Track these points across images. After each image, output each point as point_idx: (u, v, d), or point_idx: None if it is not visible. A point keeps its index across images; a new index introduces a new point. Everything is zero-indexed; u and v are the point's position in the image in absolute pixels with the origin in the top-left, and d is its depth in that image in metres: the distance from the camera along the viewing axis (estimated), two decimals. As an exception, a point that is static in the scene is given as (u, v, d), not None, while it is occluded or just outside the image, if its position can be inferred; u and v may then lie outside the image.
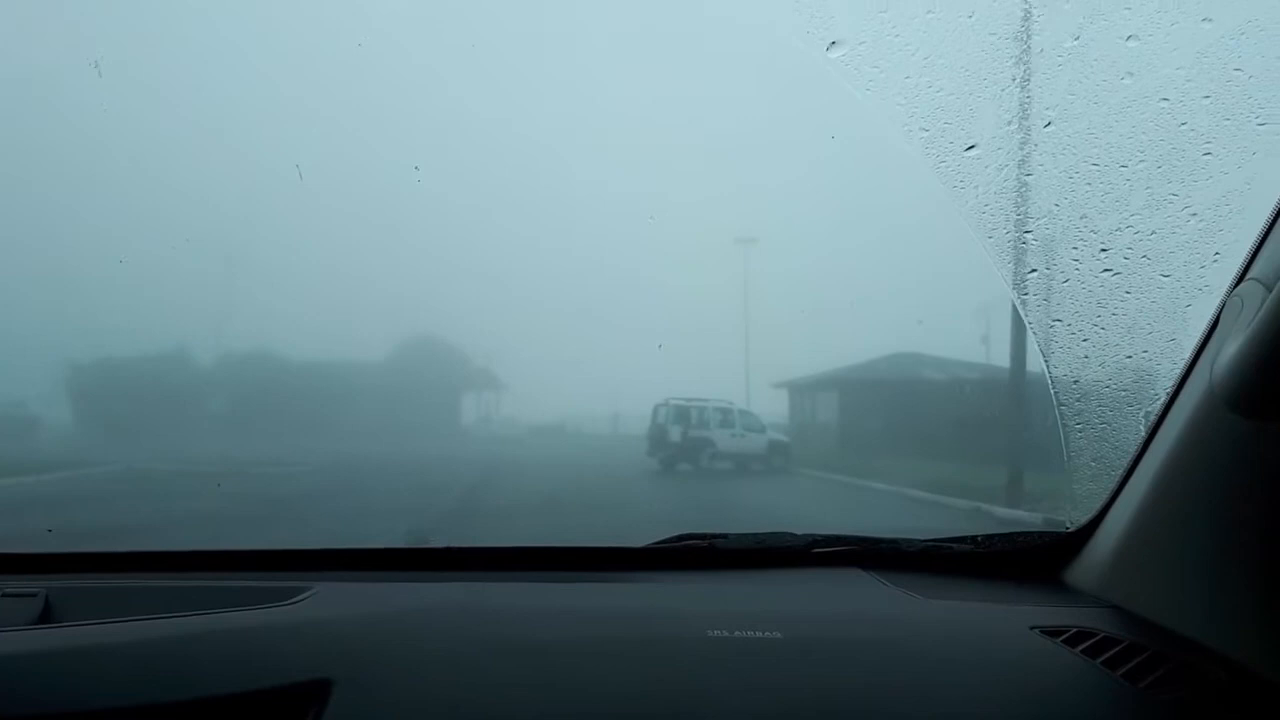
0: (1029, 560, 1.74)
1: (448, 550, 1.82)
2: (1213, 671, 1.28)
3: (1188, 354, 1.40)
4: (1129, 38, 1.44)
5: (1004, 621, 1.49)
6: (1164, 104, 1.45)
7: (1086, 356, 1.59)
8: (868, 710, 1.23)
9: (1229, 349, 1.22)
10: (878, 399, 16.30)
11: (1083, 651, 1.34)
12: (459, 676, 1.26)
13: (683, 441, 13.97)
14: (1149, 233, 1.51)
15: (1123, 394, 1.59)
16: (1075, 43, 1.47)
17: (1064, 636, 1.39)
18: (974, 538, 1.78)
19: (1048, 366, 1.62)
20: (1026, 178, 1.59)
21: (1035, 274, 1.59)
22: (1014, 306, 1.63)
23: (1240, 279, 1.29)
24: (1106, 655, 1.32)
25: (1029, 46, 1.53)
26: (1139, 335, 1.55)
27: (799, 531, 1.82)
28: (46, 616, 1.46)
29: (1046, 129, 1.52)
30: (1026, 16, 1.53)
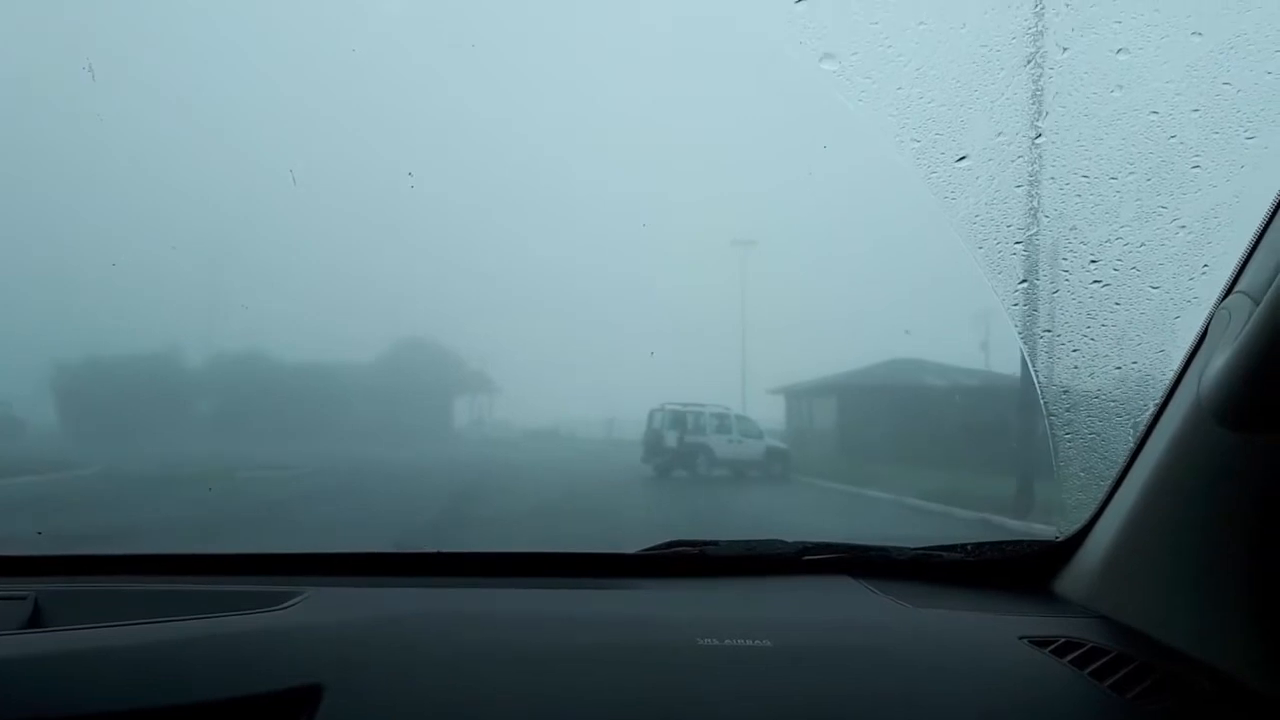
0: (1018, 569, 1.75)
1: (439, 555, 1.82)
2: (1200, 682, 1.29)
3: (1176, 365, 1.42)
4: (1119, 51, 1.46)
5: (993, 631, 1.50)
6: (1153, 117, 1.47)
7: (1076, 367, 1.60)
8: (857, 718, 1.24)
9: (1216, 362, 1.23)
10: (877, 405, 16.20)
11: (1071, 662, 1.35)
12: (450, 682, 1.26)
13: (679, 447, 13.86)
14: (1138, 245, 1.52)
15: (1112, 404, 1.60)
16: (1065, 55, 1.49)
17: (1052, 646, 1.40)
18: (964, 546, 1.79)
19: (1037, 376, 1.64)
20: (1029, 188, 1.61)
21: (1025, 284, 1.61)
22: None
23: (1228, 291, 1.30)
24: (1094, 666, 1.33)
25: (1042, 56, 1.54)
26: (1128, 346, 1.57)
27: (789, 539, 1.83)
28: (36, 620, 1.46)
29: (1037, 141, 1.54)
30: (1039, 28, 1.53)
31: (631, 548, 1.83)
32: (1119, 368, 1.58)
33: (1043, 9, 1.50)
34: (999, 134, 1.55)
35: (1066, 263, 1.57)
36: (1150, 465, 1.43)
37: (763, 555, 1.82)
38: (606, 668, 1.32)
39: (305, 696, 1.20)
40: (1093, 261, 1.55)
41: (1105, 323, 1.57)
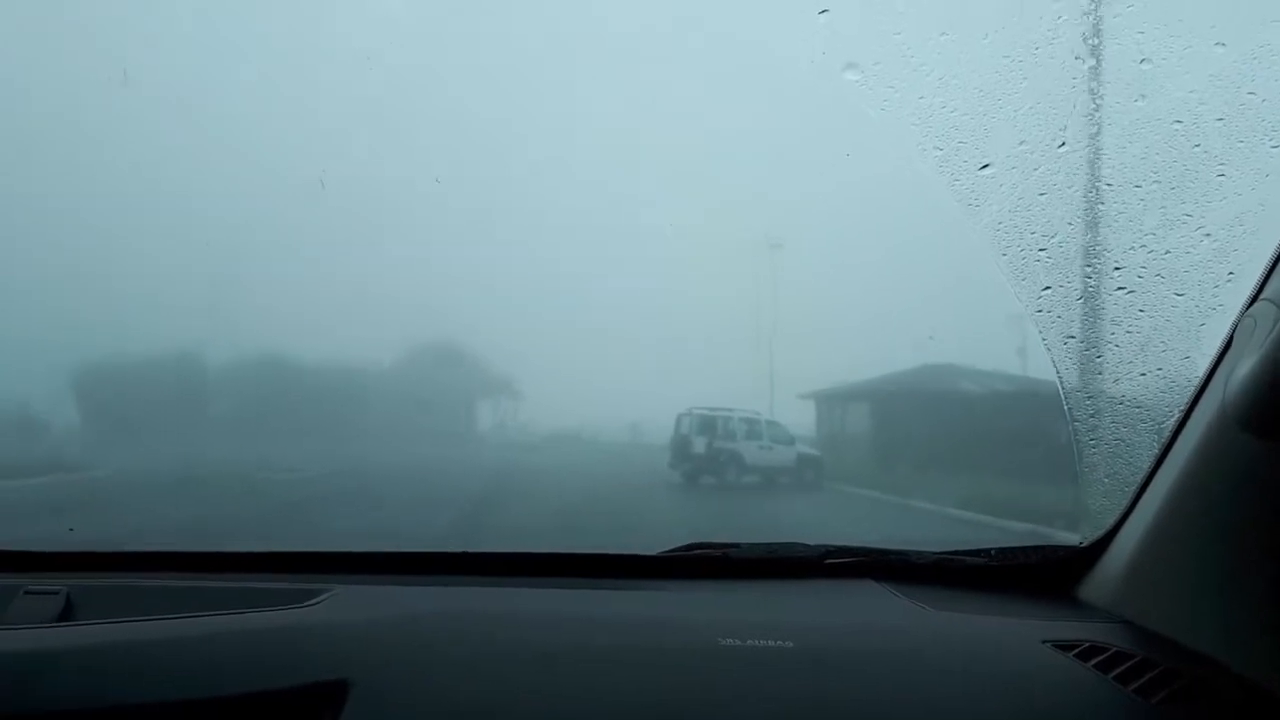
0: (1041, 574, 1.76)
1: (463, 555, 1.85)
2: (1225, 688, 1.30)
3: (1201, 372, 1.43)
4: (1142, 61, 1.48)
5: (1016, 635, 1.51)
6: (1177, 126, 1.49)
7: (1100, 373, 1.63)
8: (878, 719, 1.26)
9: (1242, 369, 1.25)
10: (913, 411, 15.78)
11: (1095, 666, 1.36)
12: (473, 680, 1.29)
13: (707, 453, 13.58)
14: (1163, 252, 1.54)
15: (1137, 411, 1.62)
16: (1087, 65, 1.52)
17: (1076, 651, 1.40)
18: (987, 551, 1.81)
19: (1061, 382, 1.66)
20: (1053, 196, 1.63)
21: (1049, 291, 1.63)
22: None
23: (1254, 299, 1.32)
24: (1119, 670, 1.33)
25: (1064, 66, 1.56)
26: (1153, 353, 1.58)
27: (811, 542, 1.86)
28: (67, 614, 1.51)
29: (1060, 149, 1.56)
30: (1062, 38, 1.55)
31: (652, 549, 1.87)
32: (1143, 374, 1.60)
33: (1064, 20, 1.52)
34: (1021, 142, 1.58)
35: (1090, 270, 1.59)
36: (1175, 471, 1.45)
37: (784, 558, 1.85)
38: (628, 667, 1.35)
39: (332, 692, 1.24)
40: (1117, 269, 1.58)
41: (1130, 329, 1.59)
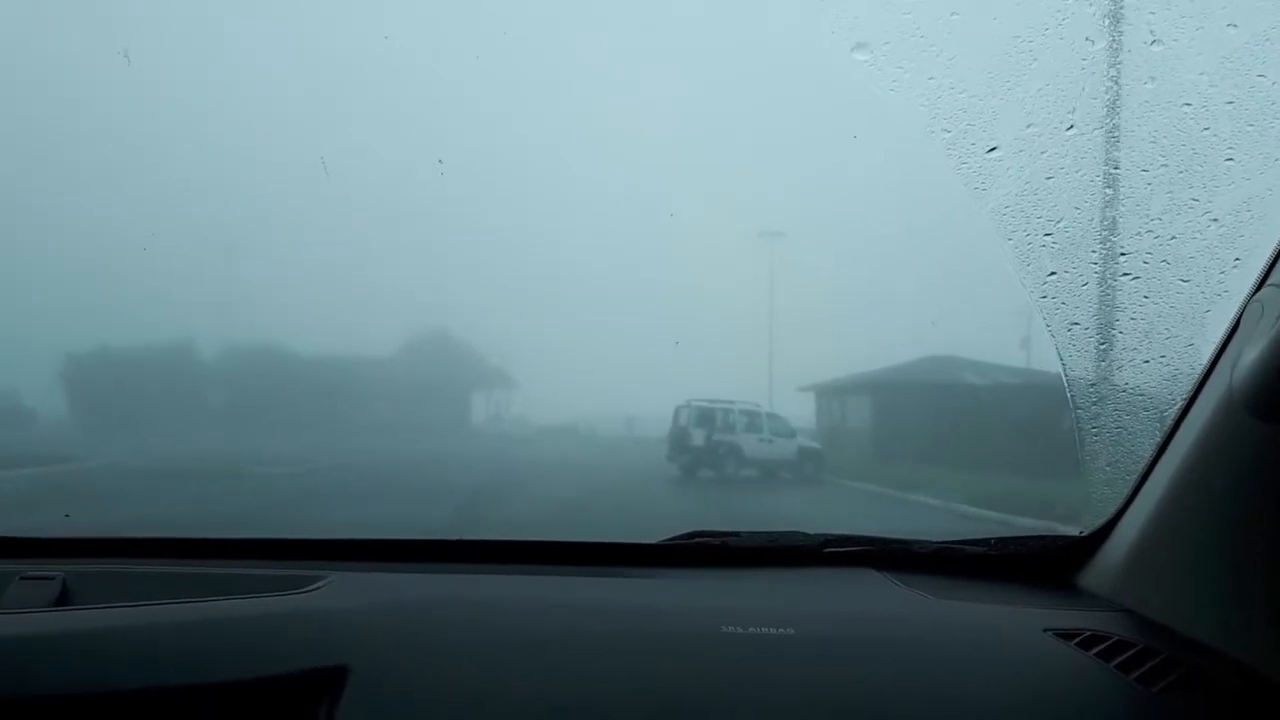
0: (1042, 564, 1.77)
1: (462, 543, 1.86)
2: (1226, 677, 1.31)
3: (1206, 359, 1.44)
4: (1152, 42, 1.49)
5: (1017, 623, 1.53)
6: (1186, 109, 1.49)
7: (1104, 360, 1.63)
8: (880, 707, 1.27)
9: (1249, 353, 1.25)
10: (915, 404, 15.58)
11: (1096, 654, 1.37)
12: (472, 666, 1.30)
13: (706, 446, 13.53)
14: (1169, 237, 1.55)
15: (1139, 398, 1.63)
16: (1097, 47, 1.52)
17: (1078, 639, 1.42)
18: (987, 540, 1.82)
19: (1064, 370, 1.67)
20: (1060, 180, 1.63)
21: (1054, 276, 1.64)
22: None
23: (1261, 284, 1.32)
24: (1120, 659, 1.35)
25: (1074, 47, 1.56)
26: (1157, 340, 1.59)
27: (811, 531, 1.87)
28: (64, 600, 1.51)
29: (1068, 132, 1.57)
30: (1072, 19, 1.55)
31: (652, 537, 1.88)
32: (1148, 361, 1.60)
33: (1076, 0, 1.52)
34: (1029, 125, 1.58)
35: (1095, 255, 1.60)
36: (1178, 459, 1.45)
37: (785, 547, 1.86)
38: (627, 653, 1.36)
39: (331, 677, 1.25)
40: (1123, 254, 1.58)
41: (1135, 316, 1.59)
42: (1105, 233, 1.59)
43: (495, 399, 19.85)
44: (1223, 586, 1.39)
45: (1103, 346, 1.64)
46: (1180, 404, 1.48)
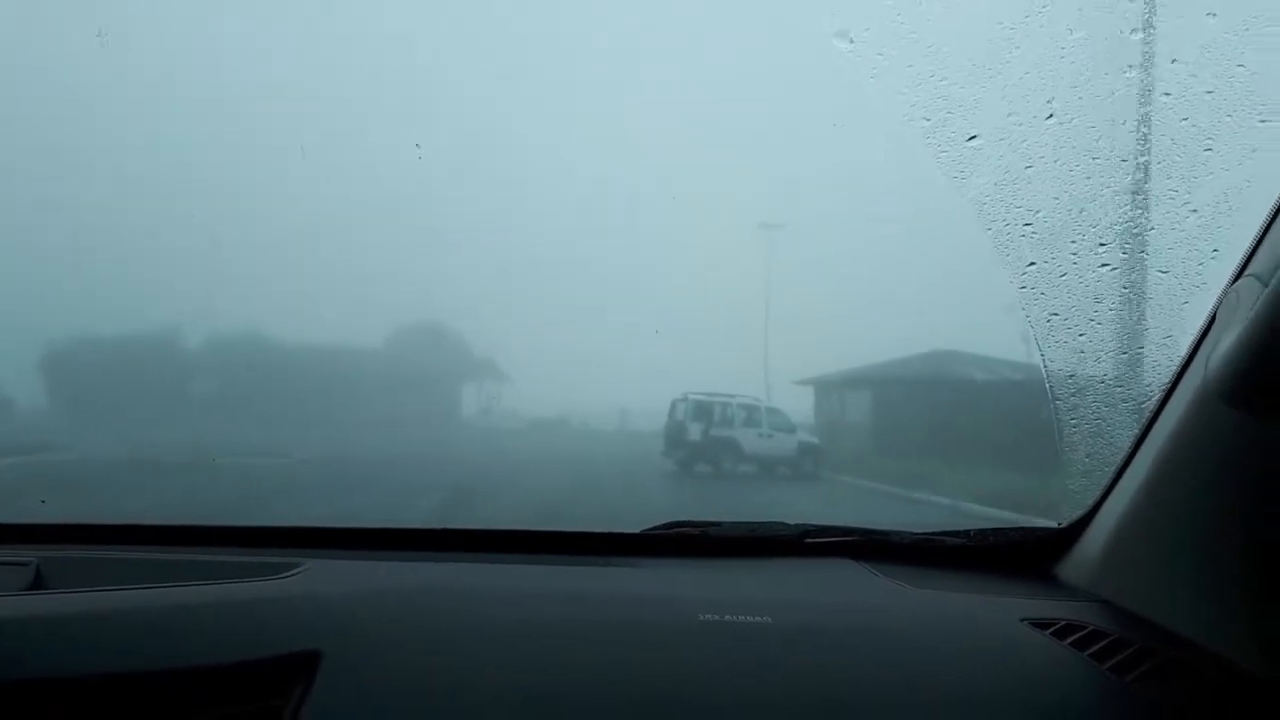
0: (1021, 555, 1.81)
1: (441, 531, 1.88)
2: (1201, 667, 1.34)
3: (1184, 350, 1.47)
4: (1133, 31, 1.52)
5: (994, 612, 1.56)
6: (1166, 98, 1.52)
7: (1082, 351, 1.67)
8: (855, 695, 1.30)
9: (1225, 343, 1.28)
10: (916, 399, 15.38)
11: (1072, 644, 1.41)
12: (449, 653, 1.33)
13: (703, 441, 13.42)
14: (1148, 228, 1.58)
15: (1118, 390, 1.66)
16: (1076, 36, 1.55)
17: (1053, 629, 1.45)
18: (966, 531, 1.85)
19: (1044, 361, 1.70)
20: (1039, 169, 1.67)
21: (1033, 267, 1.67)
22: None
23: (1238, 275, 1.35)
24: (1095, 648, 1.38)
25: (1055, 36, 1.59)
26: (1136, 331, 1.62)
27: (792, 521, 1.91)
28: (38, 585, 1.52)
29: (1048, 121, 1.60)
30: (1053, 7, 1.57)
31: (632, 527, 1.91)
32: (1125, 353, 1.64)
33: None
34: (1010, 114, 1.61)
35: (1075, 245, 1.63)
36: (1155, 450, 1.48)
37: (765, 537, 1.89)
38: (604, 642, 1.38)
39: (304, 662, 1.27)
40: (1101, 245, 1.62)
41: (1113, 307, 1.63)
42: (1084, 223, 1.62)
43: (485, 391, 19.81)
44: (1198, 578, 1.42)
45: (1081, 337, 1.67)
46: (1158, 395, 1.51)
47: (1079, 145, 1.60)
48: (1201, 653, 1.36)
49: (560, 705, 1.25)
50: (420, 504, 7.89)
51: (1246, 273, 1.32)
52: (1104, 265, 1.63)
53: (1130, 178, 1.59)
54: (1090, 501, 1.67)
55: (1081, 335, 1.66)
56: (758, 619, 1.45)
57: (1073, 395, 1.71)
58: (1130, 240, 1.60)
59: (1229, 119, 1.47)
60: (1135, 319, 1.64)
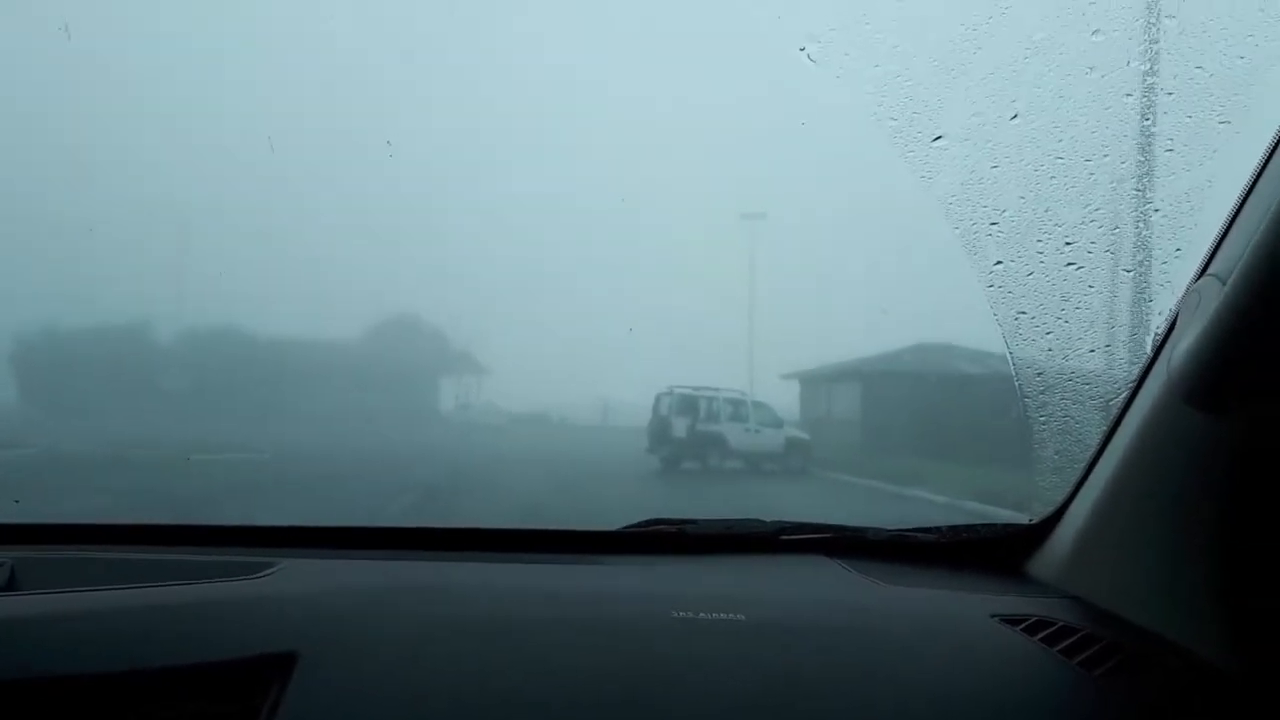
0: (992, 552, 1.86)
1: (417, 530, 1.91)
2: (1167, 661, 1.38)
3: (1149, 348, 1.52)
4: (1095, 32, 1.56)
5: (965, 609, 1.60)
6: (1128, 99, 1.57)
7: (1050, 350, 1.72)
8: (825, 690, 1.33)
9: (1184, 343, 1.33)
10: (905, 393, 15.41)
11: (1041, 640, 1.45)
12: (425, 652, 1.35)
13: (689, 437, 13.34)
14: (1112, 228, 1.63)
15: (1085, 387, 1.72)
16: (1042, 36, 1.60)
17: (1023, 625, 1.49)
18: (939, 528, 1.91)
19: (1012, 359, 1.75)
20: (1004, 169, 1.72)
21: (1001, 265, 1.72)
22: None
23: (1200, 275, 1.40)
24: (1064, 644, 1.42)
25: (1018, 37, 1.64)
26: (1101, 329, 1.68)
27: (767, 519, 1.95)
28: (12, 586, 1.53)
29: (1013, 121, 1.65)
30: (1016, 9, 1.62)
31: (609, 525, 1.95)
32: (1092, 350, 1.69)
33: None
34: (975, 114, 1.66)
35: (1041, 244, 1.68)
36: (1122, 447, 1.53)
37: (740, 534, 1.93)
38: (580, 639, 1.41)
39: (279, 663, 1.28)
40: (1067, 243, 1.67)
41: (1079, 305, 1.68)
42: (1049, 222, 1.67)
43: (464, 386, 19.74)
44: (1164, 573, 1.46)
45: (1048, 335, 1.72)
46: (1124, 394, 1.56)
47: (1044, 145, 1.65)
48: (1169, 647, 1.40)
49: (536, 703, 1.28)
50: (394, 505, 7.87)
51: (1207, 272, 1.37)
52: (1070, 264, 1.68)
53: (1094, 178, 1.64)
54: (1060, 499, 1.72)
55: (1049, 334, 1.71)
56: (731, 616, 1.48)
57: (1041, 393, 1.77)
58: (1095, 239, 1.65)
59: (1189, 120, 1.52)
60: (1101, 318, 1.69)
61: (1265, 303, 1.18)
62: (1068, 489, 1.70)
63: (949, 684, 1.37)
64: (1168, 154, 1.57)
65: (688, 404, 13.73)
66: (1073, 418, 1.74)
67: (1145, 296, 1.62)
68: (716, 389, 14.07)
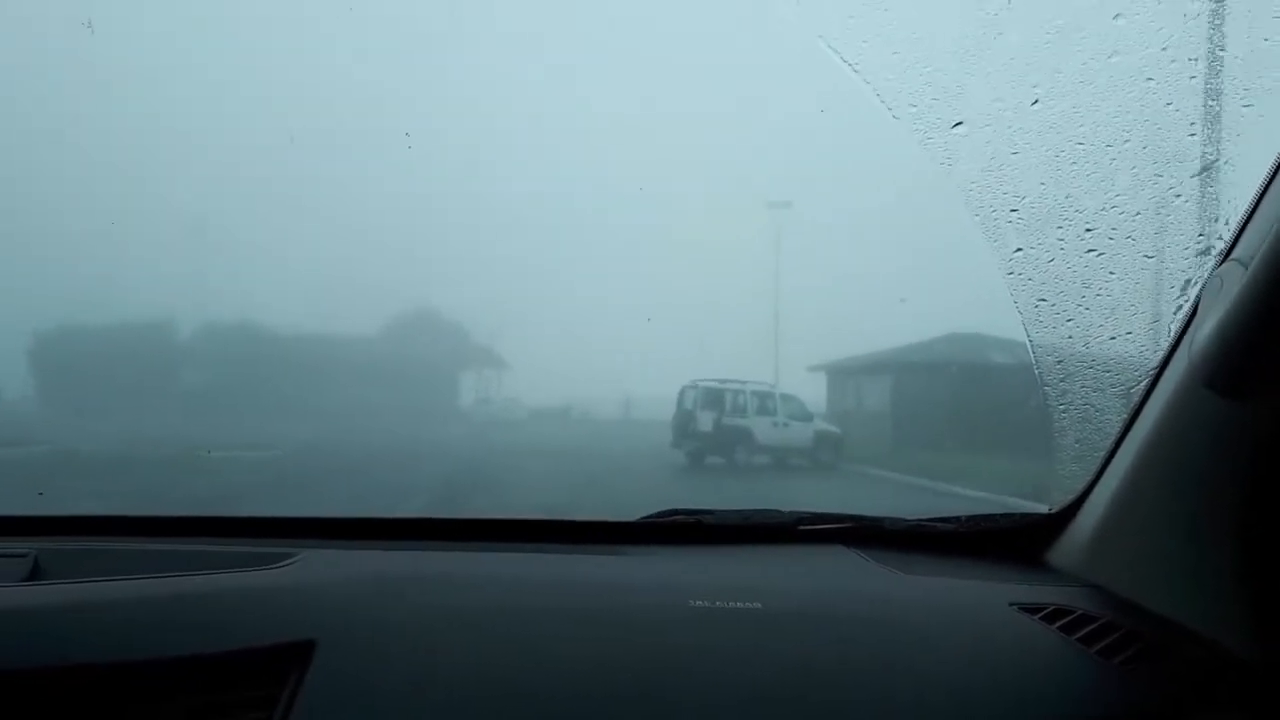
0: (1012, 540, 1.88)
1: (435, 521, 1.96)
2: (1188, 649, 1.40)
3: (1171, 335, 1.54)
4: (1116, 16, 1.58)
5: (983, 597, 1.63)
6: (1150, 84, 1.59)
7: (1070, 337, 1.74)
8: (844, 679, 1.36)
9: (1207, 328, 1.35)
10: (940, 384, 15.21)
11: (1060, 628, 1.47)
12: (442, 640, 1.39)
13: (715, 431, 13.03)
14: (1134, 213, 1.65)
15: (1106, 375, 1.74)
16: (1063, 20, 1.62)
17: (1042, 613, 1.52)
18: (958, 517, 1.93)
19: (1032, 347, 1.77)
20: (1025, 155, 1.74)
21: (1021, 253, 1.74)
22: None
23: (1222, 260, 1.41)
24: (1083, 632, 1.45)
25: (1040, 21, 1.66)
26: (1122, 316, 1.70)
27: (785, 509, 1.99)
28: (36, 576, 1.58)
29: (1033, 107, 1.67)
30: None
31: (627, 515, 2.00)
32: (1113, 338, 1.71)
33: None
34: (995, 99, 1.68)
35: (1062, 231, 1.70)
36: (1143, 435, 1.55)
37: (758, 524, 1.96)
38: (597, 627, 1.45)
39: (299, 651, 1.32)
40: (1088, 230, 1.69)
41: (1100, 292, 1.70)
42: (1070, 208, 1.69)
43: (483, 381, 19.80)
44: (1185, 562, 1.48)
45: (1069, 323, 1.74)
46: (1145, 381, 1.58)
47: (1064, 131, 1.67)
48: (1190, 635, 1.42)
49: (552, 691, 1.31)
50: (412, 502, 7.94)
51: (1231, 257, 1.39)
52: (1090, 250, 1.70)
53: (1115, 163, 1.66)
54: (1080, 487, 1.74)
55: (1069, 321, 1.73)
56: (749, 605, 1.51)
57: (1061, 381, 1.79)
58: (1116, 225, 1.67)
59: (1212, 104, 1.54)
60: (1123, 304, 1.71)
61: None
62: (1088, 477, 1.72)
63: (968, 673, 1.40)
64: (1190, 139, 1.59)
65: (713, 397, 13.46)
66: (1093, 405, 1.76)
67: (1166, 283, 1.64)
68: (743, 382, 13.79)
